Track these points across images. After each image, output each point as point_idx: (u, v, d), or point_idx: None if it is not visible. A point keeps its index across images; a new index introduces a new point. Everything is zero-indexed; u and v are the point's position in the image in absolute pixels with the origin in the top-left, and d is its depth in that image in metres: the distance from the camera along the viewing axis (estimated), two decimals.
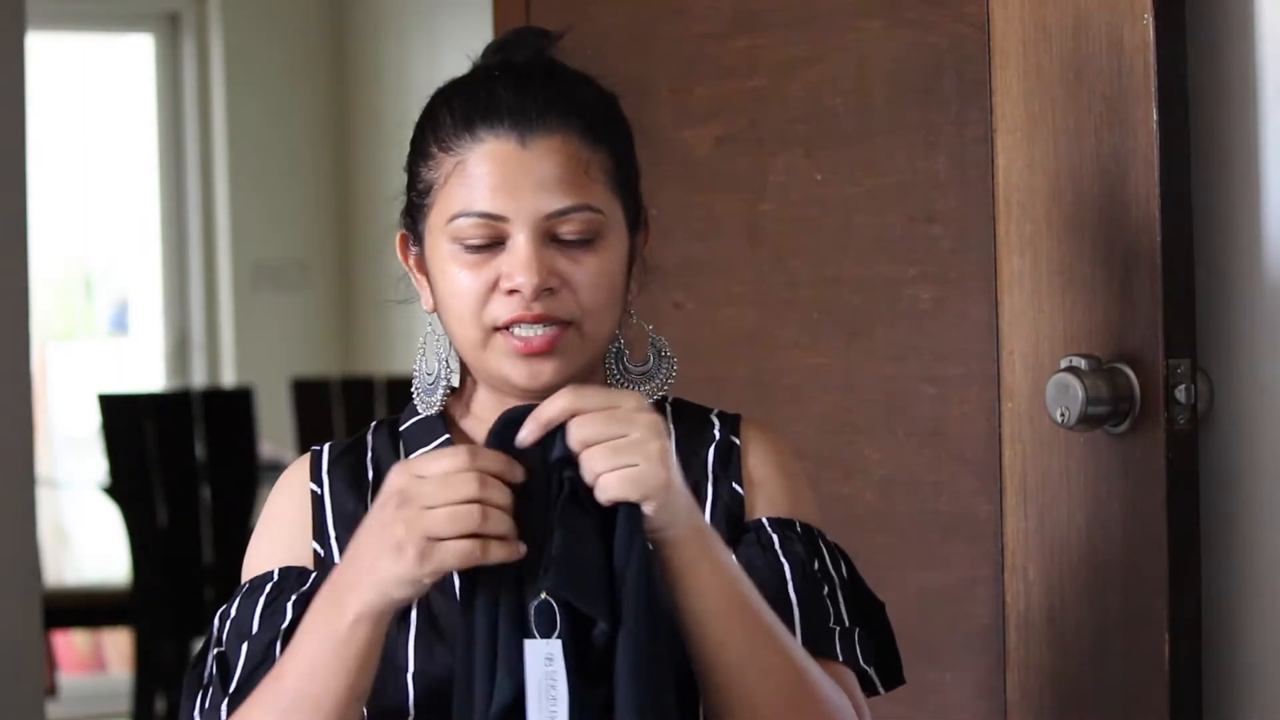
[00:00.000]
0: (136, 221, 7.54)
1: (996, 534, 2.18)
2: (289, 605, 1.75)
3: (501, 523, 1.60)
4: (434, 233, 1.76)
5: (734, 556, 1.71)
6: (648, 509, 1.61)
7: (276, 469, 5.22)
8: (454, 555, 1.59)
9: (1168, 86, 2.07)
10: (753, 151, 2.41)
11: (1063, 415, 2.08)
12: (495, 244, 1.73)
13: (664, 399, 1.85)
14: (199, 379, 7.41)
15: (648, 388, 1.81)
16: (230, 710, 1.71)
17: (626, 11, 2.52)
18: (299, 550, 1.79)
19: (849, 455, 2.33)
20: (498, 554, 1.59)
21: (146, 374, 7.51)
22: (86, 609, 6.27)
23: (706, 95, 2.45)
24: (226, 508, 5.69)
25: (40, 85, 6.37)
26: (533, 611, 1.61)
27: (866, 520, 2.30)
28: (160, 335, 7.52)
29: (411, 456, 1.79)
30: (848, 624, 1.79)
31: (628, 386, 1.81)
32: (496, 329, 1.73)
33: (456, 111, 1.75)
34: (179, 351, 7.49)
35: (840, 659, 1.76)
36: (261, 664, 1.72)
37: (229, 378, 7.33)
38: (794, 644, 1.69)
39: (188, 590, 5.67)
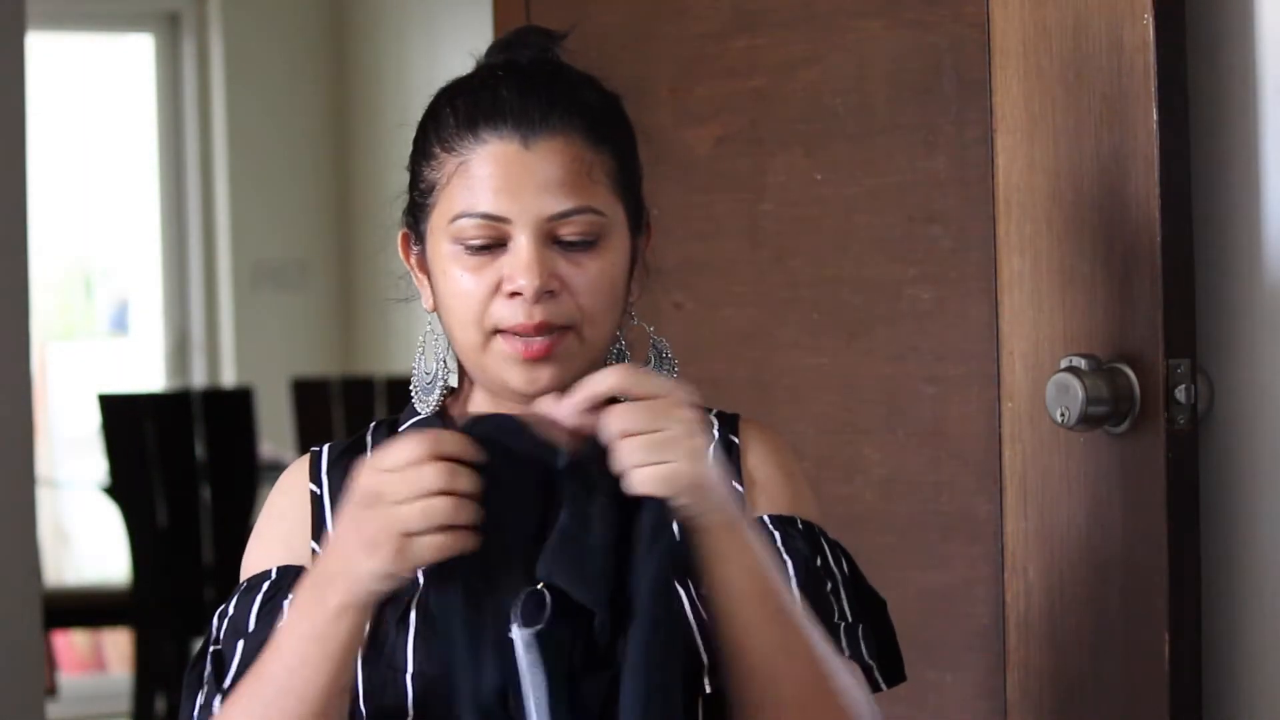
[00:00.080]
0: (136, 221, 7.54)
1: (996, 534, 2.18)
2: (286, 604, 1.75)
3: (473, 512, 1.60)
4: (436, 232, 1.76)
5: (767, 547, 1.70)
6: (677, 503, 1.61)
7: (276, 469, 5.22)
8: (429, 550, 1.60)
9: (1168, 86, 2.08)
10: (753, 151, 2.41)
11: (1063, 415, 2.08)
12: (497, 245, 1.73)
13: None
14: (199, 379, 7.41)
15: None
16: (222, 705, 1.72)
17: (626, 11, 2.52)
18: (297, 550, 1.80)
19: (849, 455, 2.33)
20: (471, 544, 1.60)
21: (146, 374, 7.51)
22: (86, 609, 6.27)
23: (706, 95, 2.45)
24: (226, 508, 5.69)
25: (40, 85, 6.37)
26: (522, 600, 1.61)
27: (866, 520, 2.30)
28: (160, 335, 7.52)
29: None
30: (851, 620, 1.79)
31: None
32: (497, 331, 1.73)
33: (460, 112, 1.75)
34: (179, 351, 7.49)
35: (846, 654, 1.76)
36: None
37: (229, 378, 7.33)
38: (819, 637, 1.70)
39: (188, 590, 5.67)
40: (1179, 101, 2.10)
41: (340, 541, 1.64)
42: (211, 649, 1.77)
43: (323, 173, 7.48)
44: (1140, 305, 2.08)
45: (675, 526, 1.63)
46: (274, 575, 1.78)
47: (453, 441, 1.61)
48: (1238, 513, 2.14)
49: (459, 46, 1.90)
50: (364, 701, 1.71)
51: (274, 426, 6.77)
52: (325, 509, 1.81)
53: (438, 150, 1.76)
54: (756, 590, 1.66)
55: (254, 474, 5.76)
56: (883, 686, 1.82)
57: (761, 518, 1.80)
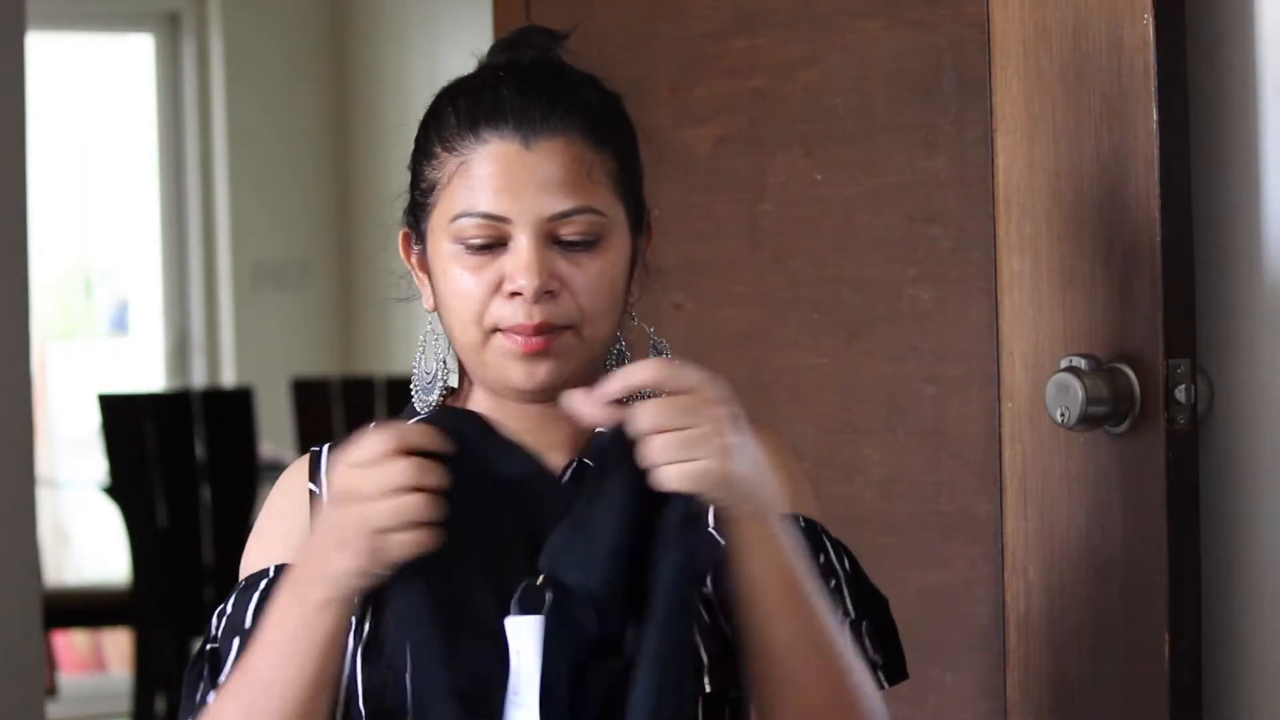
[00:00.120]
0: (136, 221, 7.54)
1: (996, 534, 2.18)
2: None
3: (441, 508, 1.60)
4: (436, 232, 1.76)
5: (796, 542, 1.70)
6: (706, 498, 1.62)
7: (276, 469, 5.22)
8: (402, 548, 1.61)
9: (1168, 86, 2.08)
10: (753, 151, 2.41)
11: (1063, 415, 2.08)
12: (497, 245, 1.73)
13: None
14: (199, 379, 7.41)
15: (648, 389, 1.81)
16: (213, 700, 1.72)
17: (626, 11, 2.52)
18: (296, 549, 1.80)
19: (849, 455, 2.33)
20: (440, 539, 1.60)
21: (146, 374, 7.51)
22: (86, 609, 6.27)
23: (706, 95, 2.45)
24: (226, 508, 5.69)
25: (40, 85, 6.37)
26: (521, 589, 1.61)
27: (866, 520, 2.30)
28: (160, 335, 7.52)
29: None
30: (854, 617, 1.80)
31: None
32: (497, 330, 1.73)
33: (461, 111, 1.75)
34: (179, 351, 7.49)
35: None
36: None
37: (229, 378, 7.33)
38: (842, 636, 1.71)
39: (188, 590, 5.67)
40: (1179, 101, 2.10)
41: (317, 539, 1.65)
42: (209, 646, 1.77)
43: (323, 173, 7.48)
44: (1140, 305, 2.08)
45: (707, 518, 1.63)
46: (272, 574, 1.78)
47: (419, 434, 1.62)
48: (1238, 513, 2.14)
49: (459, 46, 1.90)
50: (364, 701, 1.72)
51: (274, 426, 6.77)
52: None
53: (439, 150, 1.76)
54: (783, 582, 1.66)
55: (254, 474, 5.77)
56: (885, 685, 1.82)
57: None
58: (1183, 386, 2.07)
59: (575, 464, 1.78)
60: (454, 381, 1.83)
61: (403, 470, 1.60)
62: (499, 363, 1.74)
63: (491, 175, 1.72)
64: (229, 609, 1.77)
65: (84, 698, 6.96)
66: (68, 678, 7.08)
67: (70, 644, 7.27)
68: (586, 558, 1.63)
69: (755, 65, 2.40)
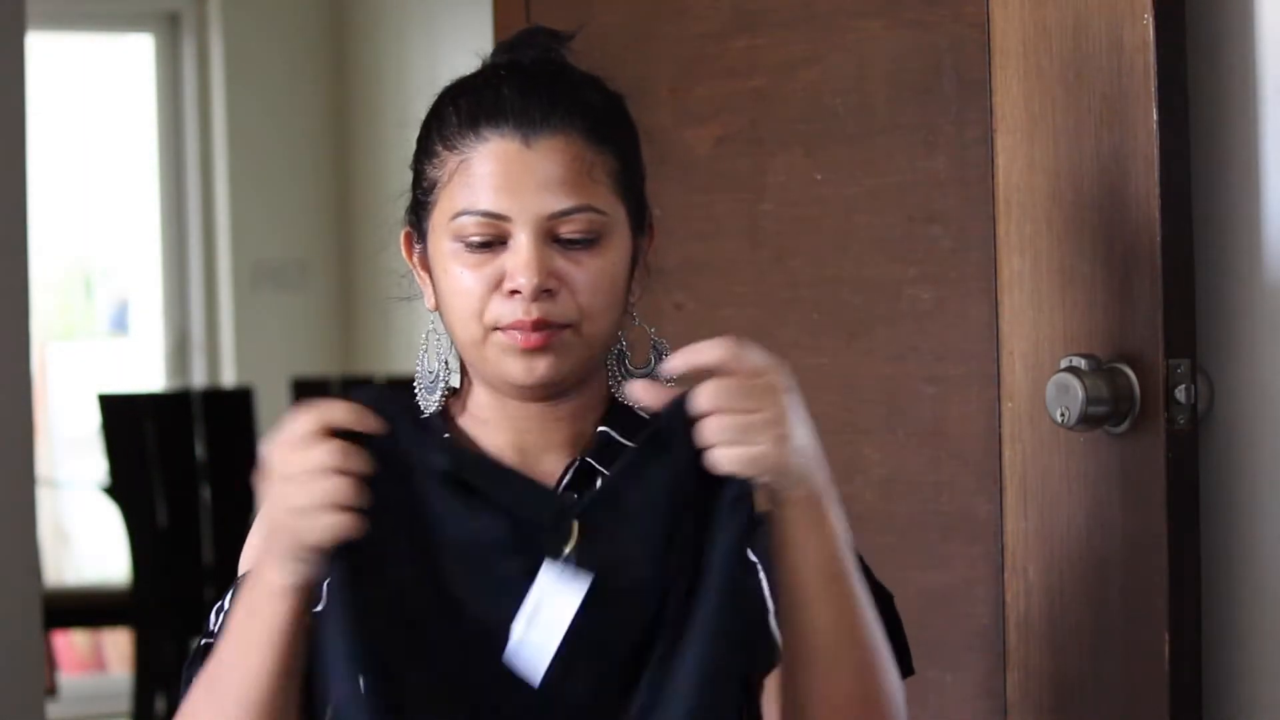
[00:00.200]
0: (136, 221, 7.54)
1: (996, 534, 2.18)
2: None
3: (362, 493, 1.59)
4: (437, 230, 1.76)
5: (845, 529, 1.70)
6: (758, 481, 1.62)
7: None
8: (320, 531, 1.59)
9: (1168, 86, 2.07)
10: (753, 151, 2.41)
11: (1063, 415, 2.08)
12: (497, 243, 1.73)
13: None
14: (199, 379, 7.41)
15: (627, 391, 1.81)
16: None
17: (627, 11, 2.52)
18: None
19: (849, 455, 2.33)
20: (360, 528, 1.58)
21: (146, 374, 7.51)
22: (86, 609, 6.27)
23: (706, 95, 2.45)
24: (226, 508, 5.69)
25: (40, 85, 6.36)
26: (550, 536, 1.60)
27: (866, 520, 2.30)
28: (160, 335, 7.52)
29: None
30: None
31: None
32: (496, 328, 1.74)
33: (462, 110, 1.75)
34: (179, 351, 7.49)
35: None
36: None
37: (229, 378, 7.32)
38: (877, 624, 1.70)
39: (188, 590, 5.67)
40: (1179, 101, 2.10)
41: (261, 523, 1.65)
42: (205, 643, 1.77)
43: (323, 173, 7.48)
44: (1140, 305, 2.08)
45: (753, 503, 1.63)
46: None
47: (344, 412, 1.61)
48: (1238, 513, 2.14)
49: (459, 46, 1.90)
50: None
51: (274, 427, 6.76)
52: None
53: (440, 148, 1.76)
54: (829, 569, 1.66)
55: (254, 474, 5.75)
56: None
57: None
58: (1183, 386, 2.07)
59: (577, 463, 1.78)
60: (456, 381, 1.84)
61: (324, 452, 1.59)
62: (498, 359, 1.74)
63: (492, 173, 1.73)
64: (226, 605, 1.78)
65: (84, 698, 6.96)
66: (68, 678, 7.08)
67: (70, 644, 7.26)
68: (624, 530, 1.61)
69: (755, 65, 2.40)
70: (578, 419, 1.79)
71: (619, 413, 1.81)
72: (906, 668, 1.84)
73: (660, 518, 1.61)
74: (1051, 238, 2.14)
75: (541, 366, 1.73)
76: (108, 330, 7.83)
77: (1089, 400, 2.07)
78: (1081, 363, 2.09)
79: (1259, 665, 2.12)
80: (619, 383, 1.81)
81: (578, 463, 1.78)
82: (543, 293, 1.72)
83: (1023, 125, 2.15)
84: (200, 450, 5.71)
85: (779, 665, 1.72)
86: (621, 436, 1.78)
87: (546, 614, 1.60)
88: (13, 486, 3.47)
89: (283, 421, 1.62)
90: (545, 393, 1.76)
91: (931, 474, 2.26)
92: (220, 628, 1.77)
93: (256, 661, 1.64)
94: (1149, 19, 2.06)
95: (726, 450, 1.60)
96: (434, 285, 1.79)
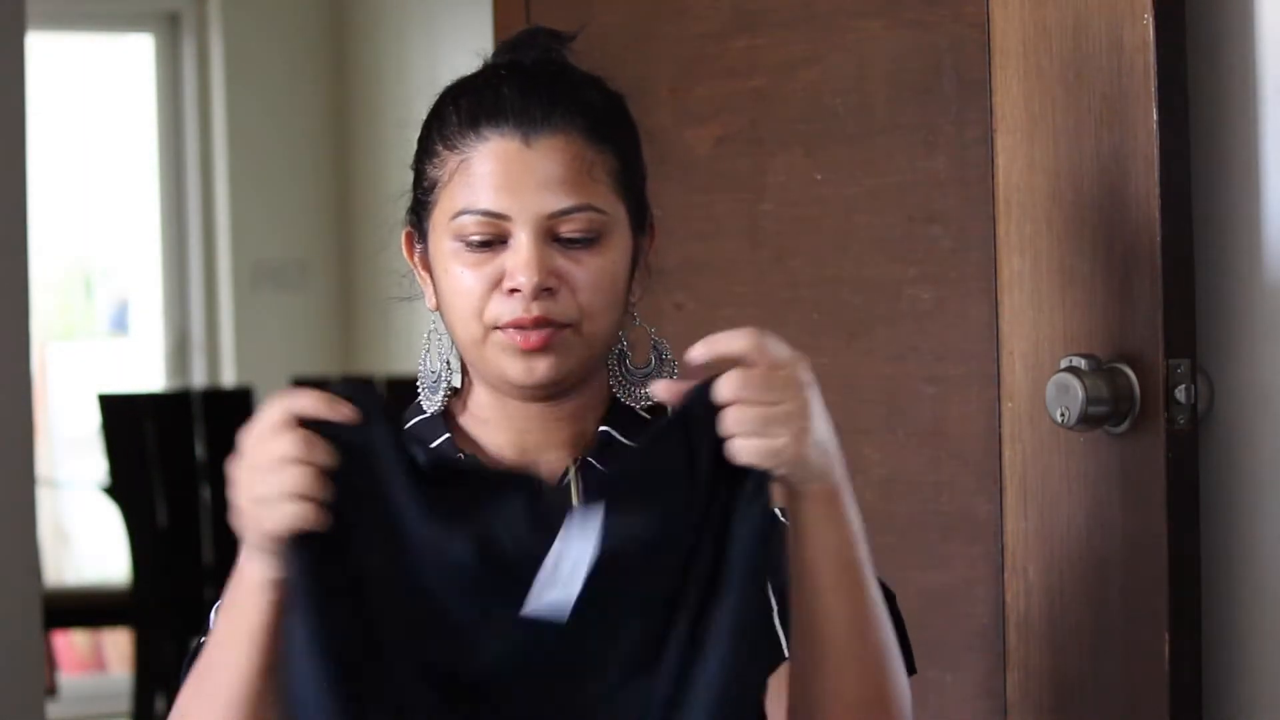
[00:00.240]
0: (136, 221, 7.54)
1: (996, 534, 2.18)
2: None
3: (326, 486, 1.58)
4: (437, 230, 1.77)
5: (860, 524, 1.70)
6: (777, 473, 1.61)
7: None
8: (280, 521, 1.59)
9: (1168, 86, 2.08)
10: (753, 151, 2.41)
11: (1063, 415, 2.08)
12: (497, 242, 1.73)
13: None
14: (199, 379, 7.41)
15: (649, 390, 1.81)
16: None
17: (627, 11, 2.53)
18: None
19: (849, 455, 2.30)
20: (321, 520, 1.58)
21: (146, 374, 7.51)
22: (86, 609, 6.27)
23: (706, 95, 2.45)
24: (226, 508, 5.66)
25: (40, 85, 6.36)
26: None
27: (866, 520, 2.29)
28: (160, 335, 7.52)
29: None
30: None
31: (630, 388, 1.81)
32: (496, 327, 1.74)
33: (462, 110, 1.76)
34: (179, 351, 7.49)
35: None
36: None
37: (229, 378, 7.32)
38: (889, 624, 1.70)
39: (188, 590, 5.67)
40: (1179, 101, 2.10)
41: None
42: (201, 640, 1.78)
43: (323, 173, 7.48)
44: (1140, 305, 2.08)
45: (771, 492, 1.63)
46: None
47: (314, 402, 1.60)
48: (1238, 513, 2.14)
49: (459, 46, 1.90)
50: None
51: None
52: None
53: (440, 148, 1.76)
54: (845, 564, 1.66)
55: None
56: None
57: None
58: (1183, 386, 2.07)
59: (579, 463, 1.78)
60: (457, 381, 1.84)
61: (288, 443, 1.59)
62: (498, 358, 1.74)
63: (492, 173, 1.73)
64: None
65: (84, 698, 6.96)
66: (68, 678, 7.08)
67: (70, 644, 7.26)
68: (641, 501, 1.60)
69: (755, 65, 2.40)
70: (578, 419, 1.79)
71: (620, 412, 1.81)
72: (909, 666, 1.84)
73: (678, 494, 1.60)
74: (1051, 238, 2.14)
75: (542, 367, 1.73)
76: (108, 330, 7.83)
77: (1089, 400, 2.07)
78: (1081, 363, 2.09)
79: (1259, 665, 2.12)
80: (620, 383, 1.81)
81: (580, 462, 1.78)
82: (543, 291, 1.72)
83: (1023, 125, 2.15)
84: (200, 450, 5.71)
85: (783, 665, 1.72)
86: (622, 436, 1.78)
87: (565, 566, 1.59)
88: (13, 486, 3.47)
89: (259, 412, 1.62)
90: (545, 393, 1.76)
91: (931, 474, 2.26)
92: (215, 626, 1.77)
93: (240, 657, 1.64)
94: (1149, 19, 2.06)
95: (747, 441, 1.60)
96: (435, 285, 1.79)
